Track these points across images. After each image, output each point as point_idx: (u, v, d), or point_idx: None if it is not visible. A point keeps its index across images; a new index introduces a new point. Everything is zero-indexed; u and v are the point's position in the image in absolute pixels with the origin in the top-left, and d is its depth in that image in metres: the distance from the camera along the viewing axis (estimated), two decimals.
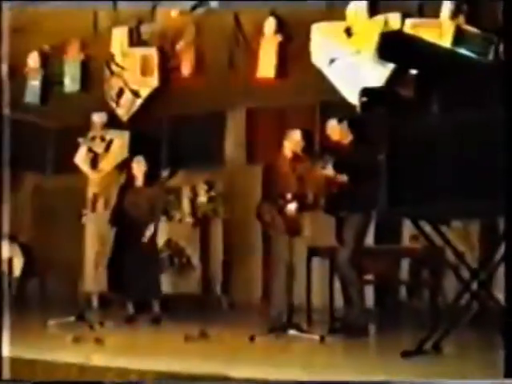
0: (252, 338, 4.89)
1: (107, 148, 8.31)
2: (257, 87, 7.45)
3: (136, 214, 6.33)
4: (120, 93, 8.18)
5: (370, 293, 6.35)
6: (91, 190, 7.96)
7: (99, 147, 8.33)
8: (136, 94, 8.14)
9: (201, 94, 7.66)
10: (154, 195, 6.43)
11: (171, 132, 8.34)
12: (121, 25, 8.08)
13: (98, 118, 8.33)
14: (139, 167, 6.50)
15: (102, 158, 8.31)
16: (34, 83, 8.46)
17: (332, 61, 7.00)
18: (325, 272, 5.97)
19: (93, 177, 8.33)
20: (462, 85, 3.85)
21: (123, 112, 8.19)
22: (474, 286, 4.10)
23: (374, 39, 4.11)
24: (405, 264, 6.51)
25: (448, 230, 4.28)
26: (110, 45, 8.20)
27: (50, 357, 4.12)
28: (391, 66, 6.14)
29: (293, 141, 5.55)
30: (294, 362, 4.22)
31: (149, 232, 6.24)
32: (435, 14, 6.44)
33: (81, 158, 8.37)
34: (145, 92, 8.11)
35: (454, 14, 6.34)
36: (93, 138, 8.37)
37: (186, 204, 7.83)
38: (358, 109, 4.04)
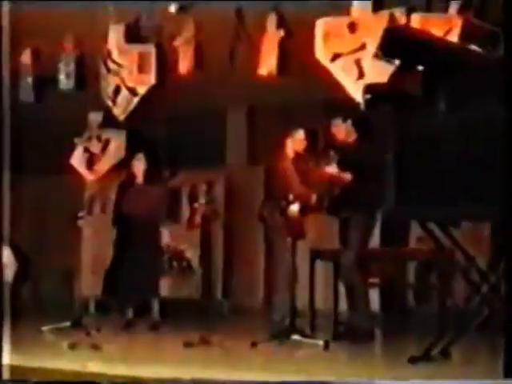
0: (254, 344, 4.90)
1: (104, 148, 8.32)
2: (258, 84, 7.45)
3: (137, 214, 6.33)
4: (117, 91, 8.18)
5: (375, 297, 6.34)
6: (88, 192, 7.97)
7: (96, 147, 8.34)
8: (133, 92, 8.14)
9: (200, 92, 7.65)
10: (157, 194, 6.43)
11: (169, 131, 8.34)
12: (118, 21, 8.09)
13: (95, 117, 8.34)
14: (140, 165, 6.51)
15: (99, 158, 8.32)
16: (28, 81, 8.47)
17: (336, 57, 7.00)
18: (329, 275, 5.96)
19: (89, 178, 8.35)
20: (470, 81, 3.85)
21: (120, 111, 8.19)
22: (485, 289, 4.10)
23: (379, 35, 4.11)
24: (412, 267, 6.51)
25: (457, 232, 4.27)
26: (106, 41, 8.21)
27: (45, 364, 4.13)
28: (396, 63, 6.16)
29: (296, 140, 5.56)
30: (298, 368, 4.22)
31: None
32: (443, 9, 6.44)
33: (77, 159, 8.38)
34: (142, 90, 8.11)
35: (463, 9, 6.33)
36: (89, 138, 8.38)
37: (185, 205, 7.82)
38: (362, 106, 4.04)
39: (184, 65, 7.88)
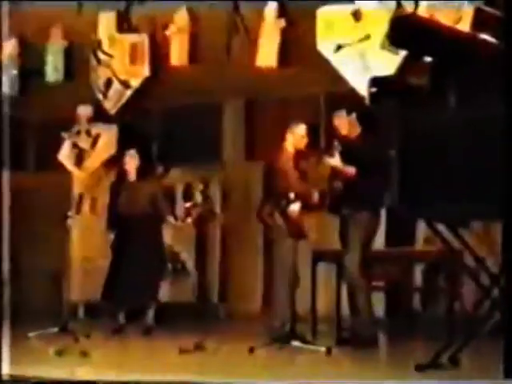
0: (252, 350, 4.89)
1: (94, 144, 8.31)
2: (257, 77, 7.45)
3: (132, 213, 6.33)
4: (107, 83, 8.17)
5: (380, 301, 6.35)
6: (76, 190, 7.96)
7: (85, 143, 8.32)
8: (125, 84, 8.13)
9: (196, 85, 7.65)
10: (152, 190, 6.43)
11: (163, 126, 8.33)
12: (108, 9, 8.08)
13: (84, 110, 8.32)
14: (132, 161, 6.51)
15: (88, 154, 8.31)
16: (13, 73, 8.45)
17: (339, 48, 7.00)
18: (331, 278, 5.96)
19: (78, 175, 8.33)
20: (481, 74, 3.84)
21: (111, 104, 8.19)
22: (495, 293, 4.09)
23: (385, 23, 4.12)
24: (418, 269, 6.51)
25: (466, 232, 4.27)
26: (96, 31, 8.19)
27: (31, 372, 4.11)
28: (403, 53, 6.16)
29: (297, 136, 5.56)
30: (298, 376, 4.21)
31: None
32: None
33: (65, 155, 8.36)
34: (135, 82, 8.11)
35: None
36: (78, 133, 8.36)
37: (179, 204, 7.82)
38: (367, 100, 4.03)
39: (178, 56, 7.87)
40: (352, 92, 6.71)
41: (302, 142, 5.56)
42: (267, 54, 7.41)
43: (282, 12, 7.42)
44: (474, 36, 4.39)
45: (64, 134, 8.36)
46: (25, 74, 8.49)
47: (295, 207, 5.21)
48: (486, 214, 4.24)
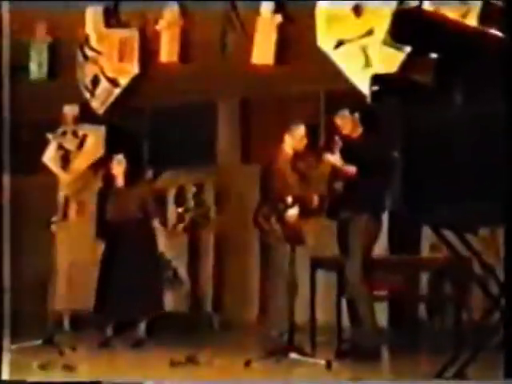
0: (248, 363, 4.88)
1: (80, 145, 8.30)
2: (253, 75, 7.45)
3: (120, 220, 6.32)
4: (95, 81, 8.16)
5: (383, 310, 6.33)
6: (62, 193, 7.94)
7: (71, 144, 8.32)
8: (113, 82, 8.12)
9: (188, 83, 7.64)
10: (141, 195, 6.42)
11: (154, 127, 8.32)
12: (96, 3, 8.08)
13: (70, 110, 8.32)
14: (119, 167, 6.50)
15: (75, 156, 8.30)
16: None
17: (339, 44, 7.00)
18: (331, 286, 5.95)
19: (64, 178, 8.32)
20: (490, 70, 3.83)
21: (99, 103, 8.18)
22: (505, 302, 4.07)
23: (388, 18, 4.09)
24: (424, 277, 6.50)
25: (474, 238, 4.25)
26: (83, 26, 8.19)
27: None
28: (407, 49, 6.14)
29: (296, 137, 5.55)
30: None
31: None
32: None
33: (50, 157, 8.35)
34: (124, 80, 8.10)
35: None
36: (64, 134, 8.35)
37: (171, 209, 7.81)
38: (369, 99, 4.02)
39: (170, 52, 7.86)
40: (353, 90, 6.71)
41: (301, 144, 5.55)
42: (264, 51, 7.41)
43: (279, 7, 7.42)
44: (482, 30, 4.39)
45: (49, 135, 8.35)
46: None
47: (293, 212, 5.21)
48: (493, 218, 4.23)
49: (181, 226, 7.80)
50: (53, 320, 6.91)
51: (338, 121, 5.41)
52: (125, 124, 8.19)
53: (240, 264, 7.62)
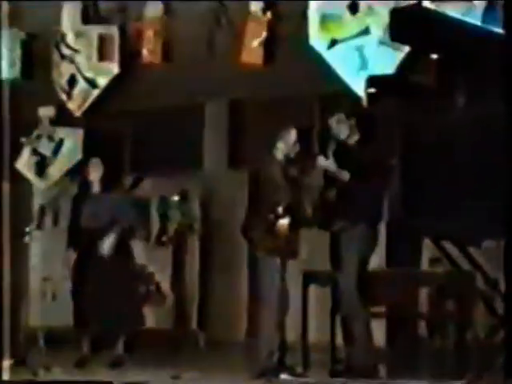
0: None
1: (56, 150, 8.29)
2: (242, 75, 7.46)
3: (95, 228, 6.30)
4: (72, 81, 8.16)
5: (380, 328, 6.34)
6: (37, 202, 7.92)
7: (46, 149, 8.31)
8: (92, 82, 8.12)
9: (173, 84, 7.65)
10: (120, 203, 6.40)
11: (135, 130, 8.33)
12: None
13: (45, 112, 8.31)
14: (95, 171, 6.49)
15: (50, 161, 8.30)
16: None
17: (333, 43, 7.02)
18: (325, 302, 5.95)
19: (39, 185, 8.31)
20: (492, 71, 3.85)
21: (76, 105, 8.18)
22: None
23: (385, 16, 4.11)
24: (424, 292, 6.51)
25: (477, 251, 4.27)
26: (59, 21, 8.18)
27: None
28: (406, 49, 6.17)
29: (287, 142, 5.55)
30: None
31: (108, 243, 6.21)
32: None
33: (24, 163, 8.34)
34: (103, 81, 8.11)
35: None
36: (38, 138, 8.35)
37: (154, 219, 7.80)
38: (365, 101, 4.04)
39: (152, 51, 7.87)
40: (348, 92, 6.72)
41: (293, 150, 5.56)
42: (253, 50, 7.43)
43: (269, 4, 7.44)
44: (485, 30, 4.42)
45: (23, 139, 8.33)
46: None
47: (284, 222, 5.21)
48: (497, 230, 4.25)
49: (164, 237, 7.80)
50: (25, 337, 6.89)
51: (334, 126, 5.41)
52: (104, 127, 8.19)
53: (227, 278, 7.61)
